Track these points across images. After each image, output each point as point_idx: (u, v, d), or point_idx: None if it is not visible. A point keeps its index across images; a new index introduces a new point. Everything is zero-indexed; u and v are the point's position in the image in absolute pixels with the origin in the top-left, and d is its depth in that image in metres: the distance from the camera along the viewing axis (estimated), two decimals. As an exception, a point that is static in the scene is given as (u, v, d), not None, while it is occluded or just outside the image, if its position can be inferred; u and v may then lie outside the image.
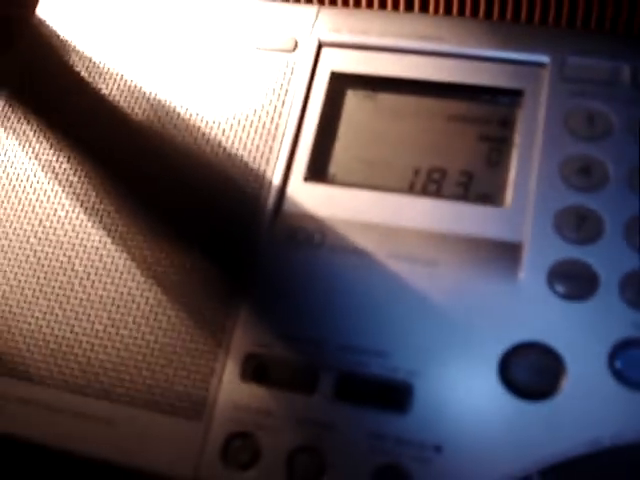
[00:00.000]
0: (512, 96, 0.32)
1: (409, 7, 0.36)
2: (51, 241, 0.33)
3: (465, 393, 0.28)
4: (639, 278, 0.28)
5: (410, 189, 0.32)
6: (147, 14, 0.37)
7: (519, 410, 0.27)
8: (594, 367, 0.27)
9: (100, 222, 0.33)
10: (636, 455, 0.27)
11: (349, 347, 0.29)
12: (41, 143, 0.35)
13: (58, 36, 0.37)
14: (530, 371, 0.28)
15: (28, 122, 0.36)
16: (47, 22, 0.38)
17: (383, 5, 0.36)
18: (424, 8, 0.35)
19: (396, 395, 0.28)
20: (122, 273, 0.31)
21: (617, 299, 0.28)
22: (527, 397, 0.28)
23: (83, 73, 0.36)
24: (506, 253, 0.29)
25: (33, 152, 0.35)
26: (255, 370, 0.29)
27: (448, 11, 0.35)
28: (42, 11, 0.38)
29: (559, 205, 0.30)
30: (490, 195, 0.31)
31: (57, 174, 0.34)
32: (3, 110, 0.36)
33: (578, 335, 0.28)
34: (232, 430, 0.29)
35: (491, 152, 0.32)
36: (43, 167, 0.34)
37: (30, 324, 0.31)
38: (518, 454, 0.27)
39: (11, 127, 0.36)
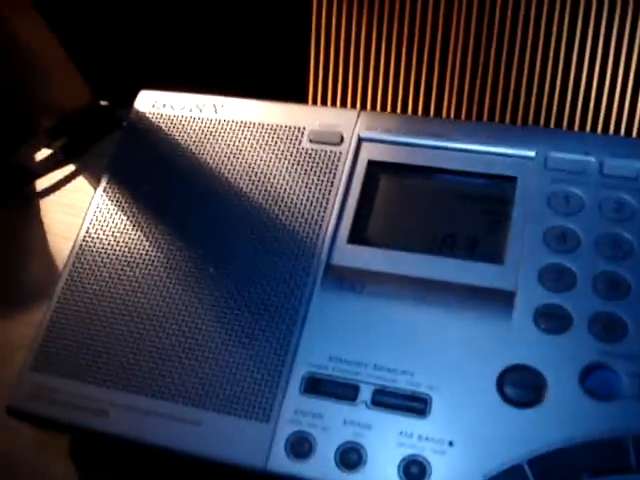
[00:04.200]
0: (508, 181, 0.42)
1: (426, 112, 0.46)
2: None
3: (470, 402, 0.37)
4: (603, 318, 0.38)
5: (429, 250, 0.41)
6: (221, 118, 0.47)
7: (512, 415, 0.36)
8: (569, 383, 0.36)
9: (184, 279, 0.42)
10: (601, 449, 0.35)
11: (383, 367, 0.38)
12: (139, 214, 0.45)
13: (155, 128, 0.48)
14: (520, 385, 0.37)
15: (126, 196, 0.46)
16: (145, 114, 0.49)
17: (405, 110, 0.47)
18: (438, 113, 0.46)
19: (418, 404, 0.37)
20: (207, 316, 0.41)
21: (586, 333, 0.37)
22: (518, 405, 0.36)
23: (174, 161, 0.46)
24: (503, 298, 0.39)
25: (131, 223, 0.45)
26: (311, 385, 0.38)
27: (458, 115, 0.46)
28: (140, 104, 0.49)
29: (543, 263, 0.39)
30: (491, 255, 0.40)
31: (150, 237, 0.44)
32: (107, 185, 0.47)
33: (557, 359, 0.37)
34: (293, 429, 0.38)
35: (491, 223, 0.41)
36: (137, 231, 0.44)
37: (141, 350, 0.41)
38: (511, 448, 0.35)
39: (113, 197, 0.46)
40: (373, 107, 0.51)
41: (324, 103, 0.52)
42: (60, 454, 0.43)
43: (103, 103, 0.63)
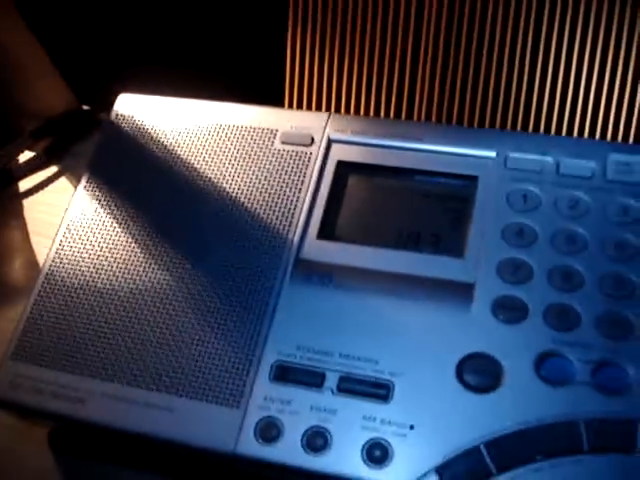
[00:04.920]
0: (470, 180, 0.44)
1: (398, 116, 0.48)
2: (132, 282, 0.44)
3: (431, 388, 0.38)
4: (557, 309, 0.39)
5: (395, 245, 0.43)
6: (197, 120, 0.49)
7: (470, 400, 0.38)
8: (525, 370, 0.38)
9: (160, 273, 0.44)
10: (554, 432, 0.37)
11: (348, 356, 0.40)
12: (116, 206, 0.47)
13: (134, 129, 0.50)
14: (478, 372, 0.38)
15: (105, 194, 0.48)
16: (125, 116, 0.50)
17: (377, 114, 0.49)
18: (409, 117, 0.48)
19: (381, 390, 0.39)
20: (181, 308, 0.43)
21: (541, 323, 0.39)
22: (476, 391, 0.38)
23: (152, 161, 0.48)
24: (463, 290, 0.41)
25: (108, 213, 0.47)
26: (279, 373, 0.40)
27: (428, 118, 0.48)
28: (119, 106, 0.51)
29: (501, 257, 0.41)
30: (452, 250, 0.42)
31: (127, 233, 0.46)
32: (87, 183, 0.48)
33: (513, 348, 0.39)
34: (262, 415, 0.39)
35: (454, 219, 0.43)
36: (115, 227, 0.46)
37: (117, 341, 0.42)
38: (469, 431, 0.37)
39: (93, 195, 0.48)
40: (347, 111, 0.53)
41: (300, 107, 0.54)
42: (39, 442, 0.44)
43: (85, 107, 0.64)
